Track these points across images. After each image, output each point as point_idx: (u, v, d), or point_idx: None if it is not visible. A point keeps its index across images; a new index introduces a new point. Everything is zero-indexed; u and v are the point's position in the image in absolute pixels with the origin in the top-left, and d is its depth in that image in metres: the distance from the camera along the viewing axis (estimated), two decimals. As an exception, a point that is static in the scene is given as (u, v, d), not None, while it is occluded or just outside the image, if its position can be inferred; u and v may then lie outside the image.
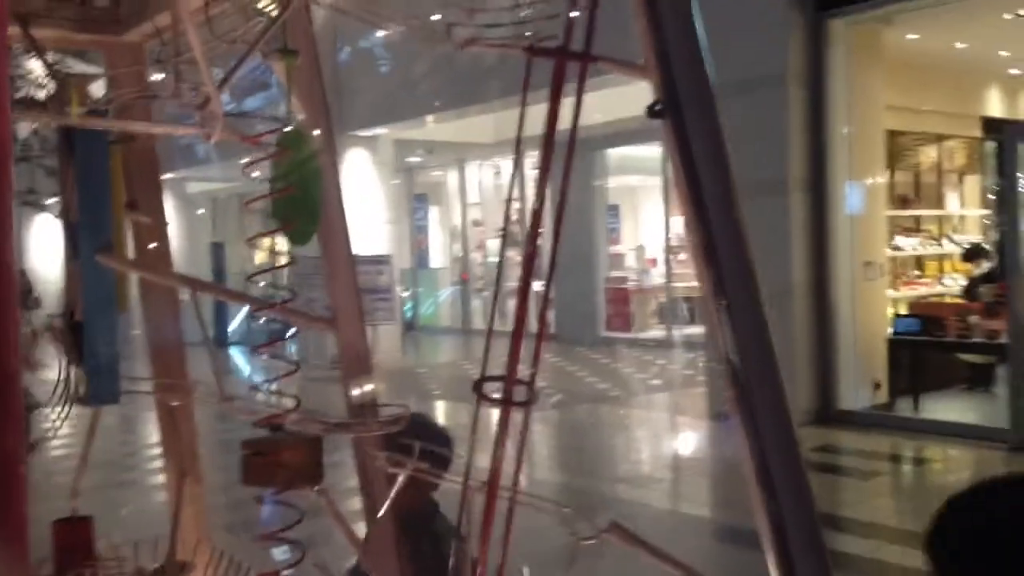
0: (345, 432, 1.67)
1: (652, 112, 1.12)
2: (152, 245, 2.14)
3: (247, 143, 1.37)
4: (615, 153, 15.59)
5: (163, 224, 2.20)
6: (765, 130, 8.28)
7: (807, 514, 1.14)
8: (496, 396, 1.28)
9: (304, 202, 1.43)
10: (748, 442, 1.13)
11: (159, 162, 2.21)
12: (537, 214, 1.29)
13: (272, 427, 1.77)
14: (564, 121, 1.28)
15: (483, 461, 1.31)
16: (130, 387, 1.99)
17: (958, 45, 10.15)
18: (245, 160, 1.48)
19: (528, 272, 1.29)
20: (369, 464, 1.78)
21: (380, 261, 13.21)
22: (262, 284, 1.63)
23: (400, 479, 1.68)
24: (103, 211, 1.81)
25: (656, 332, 16.06)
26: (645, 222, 18.49)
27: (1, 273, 0.83)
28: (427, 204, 20.98)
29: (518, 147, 1.35)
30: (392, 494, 1.72)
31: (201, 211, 23.00)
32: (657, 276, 16.81)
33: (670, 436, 9.48)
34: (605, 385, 11.81)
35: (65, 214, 1.93)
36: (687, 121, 1.13)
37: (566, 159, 1.28)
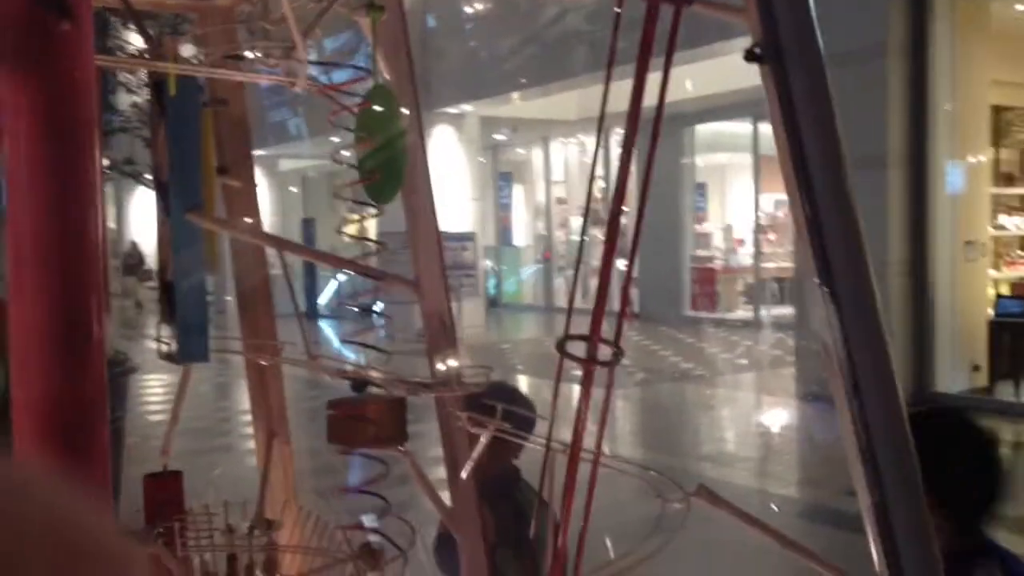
0: (428, 392, 1.67)
1: (750, 56, 1.06)
2: (243, 210, 2.18)
3: (331, 92, 1.36)
4: (704, 129, 15.31)
5: (253, 189, 2.23)
6: (864, 104, 7.99)
7: (914, 500, 1.08)
8: (579, 355, 1.25)
9: (388, 157, 1.42)
10: (853, 429, 1.07)
11: (250, 129, 2.23)
12: (621, 189, 1.24)
13: (358, 388, 1.79)
14: (652, 95, 1.22)
15: (566, 433, 1.28)
16: (220, 346, 2.03)
17: (1070, 15, 9.63)
18: (334, 132, 1.47)
19: (612, 241, 1.25)
20: (452, 426, 1.77)
21: (464, 238, 13.30)
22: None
23: (483, 439, 1.67)
24: (194, 171, 1.83)
25: (743, 312, 15.78)
26: (733, 201, 18.13)
27: (86, 246, 0.83)
28: (511, 182, 20.99)
29: (601, 122, 1.30)
30: (475, 455, 1.71)
31: (293, 188, 23.48)
32: (745, 256, 16.49)
33: (756, 415, 9.31)
34: (689, 364, 11.66)
35: (156, 174, 1.96)
36: (788, 67, 1.07)
37: (652, 132, 1.24)
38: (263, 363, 2.12)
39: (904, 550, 1.08)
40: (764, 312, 15.16)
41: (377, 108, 1.44)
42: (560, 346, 1.25)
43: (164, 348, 1.85)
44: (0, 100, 0.78)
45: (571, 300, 1.31)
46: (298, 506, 2.33)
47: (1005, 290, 9.16)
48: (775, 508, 5.27)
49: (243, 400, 10.17)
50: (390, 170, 1.46)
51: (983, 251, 8.64)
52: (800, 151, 1.07)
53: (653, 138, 1.22)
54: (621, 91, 1.22)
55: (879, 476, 1.08)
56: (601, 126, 1.31)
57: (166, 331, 1.84)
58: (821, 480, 5.72)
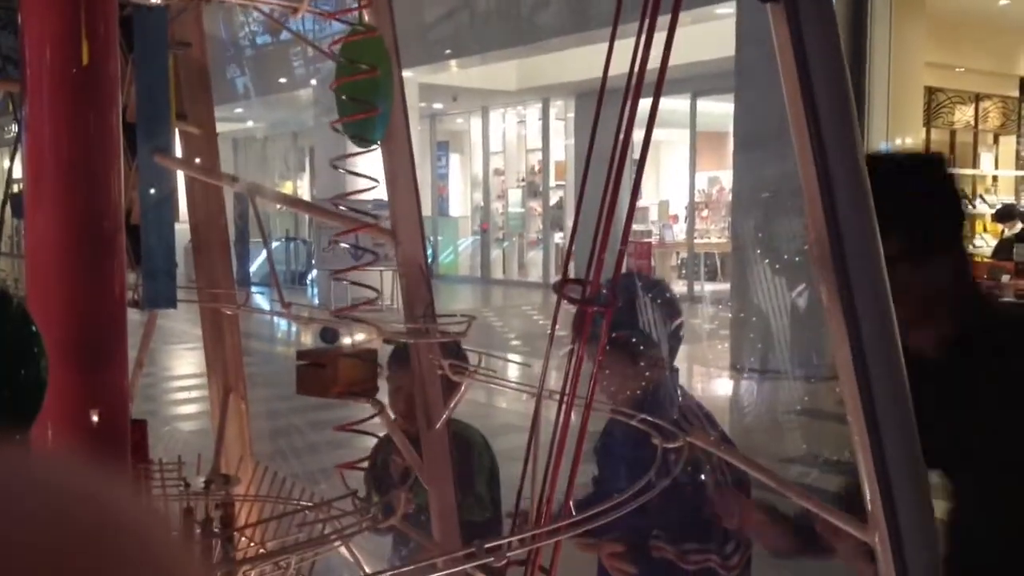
0: (407, 339, 1.65)
1: (764, -4, 1.06)
2: (202, 159, 2.11)
3: (330, 17, 1.32)
4: (641, 105, 15.35)
5: (213, 137, 2.16)
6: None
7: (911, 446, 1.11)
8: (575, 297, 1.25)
9: (378, 85, 1.38)
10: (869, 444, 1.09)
11: (210, 75, 2.16)
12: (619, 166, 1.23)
13: (328, 339, 1.76)
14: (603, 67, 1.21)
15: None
16: (182, 296, 1.97)
17: (1001, 2, 9.90)
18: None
19: (616, 188, 1.23)
20: (427, 376, 1.75)
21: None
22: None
23: (463, 387, 1.66)
24: (163, 110, 1.77)
25: (677, 287, 16.02)
26: (669, 177, 18.34)
27: (106, 154, 0.79)
28: (448, 152, 20.87)
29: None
30: (453, 404, 1.70)
31: (225, 152, 22.92)
32: (679, 232, 16.71)
33: (690, 386, 9.47)
34: (625, 336, 11.78)
35: (122, 114, 1.88)
36: (800, 8, 1.07)
37: (596, 109, 1.23)
38: (227, 312, 2.07)
39: (900, 504, 1.11)
40: (698, 287, 15.40)
41: (366, 34, 1.40)
42: (558, 287, 1.24)
43: (128, 294, 1.79)
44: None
45: (571, 240, 1.29)
46: (255, 462, 2.29)
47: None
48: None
49: (176, 366, 9.96)
50: (381, 99, 1.43)
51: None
52: (811, 95, 1.07)
53: (597, 113, 1.23)
54: (554, 62, 1.21)
55: (879, 434, 1.11)
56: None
57: (131, 277, 1.78)
58: (757, 449, 5.84)
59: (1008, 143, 11.89)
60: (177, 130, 2.07)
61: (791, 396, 7.19)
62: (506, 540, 0.93)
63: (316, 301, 14.31)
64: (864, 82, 8.49)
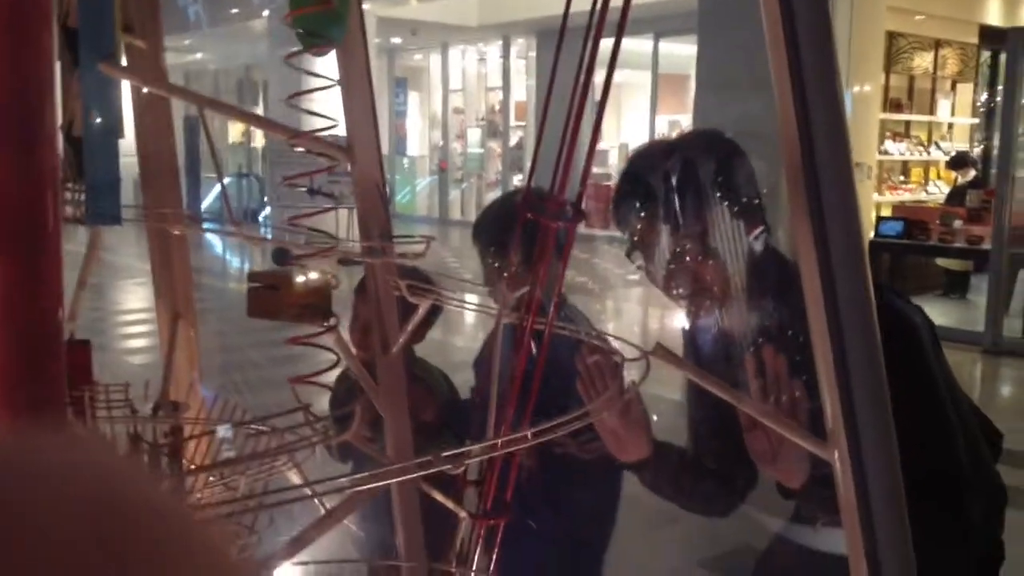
0: (362, 258, 1.60)
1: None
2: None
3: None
4: (603, 45, 15.18)
5: (160, 52, 2.07)
6: (759, 19, 8.05)
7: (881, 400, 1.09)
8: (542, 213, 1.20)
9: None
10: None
11: (157, -15, 2.06)
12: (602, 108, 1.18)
13: (280, 261, 1.70)
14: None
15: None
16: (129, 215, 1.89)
17: (964, -53, 9.90)
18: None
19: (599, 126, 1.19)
20: (384, 297, 1.71)
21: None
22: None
23: (421, 309, 1.62)
24: (108, 14, 1.67)
25: (634, 230, 16.05)
26: (630, 120, 18.24)
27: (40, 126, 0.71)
28: (407, 89, 20.53)
29: None
30: (410, 326, 1.65)
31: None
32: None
33: (644, 327, 9.54)
34: (582, 278, 11.82)
35: (63, 20, 1.78)
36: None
37: (556, 48, 1.19)
38: (175, 232, 2.00)
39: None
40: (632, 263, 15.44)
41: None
42: (524, 204, 1.20)
43: (70, 211, 1.71)
44: None
45: (529, 179, 1.26)
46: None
47: (886, 213, 9.55)
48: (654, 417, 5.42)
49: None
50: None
51: (869, 173, 8.95)
52: (795, 45, 1.04)
53: (558, 51, 1.18)
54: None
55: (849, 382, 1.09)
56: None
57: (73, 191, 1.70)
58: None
59: (965, 90, 11.98)
60: (123, 44, 1.97)
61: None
62: (465, 449, 0.90)
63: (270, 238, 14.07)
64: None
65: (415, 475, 0.86)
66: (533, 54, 16.64)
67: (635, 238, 1.59)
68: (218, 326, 7.11)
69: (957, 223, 8.36)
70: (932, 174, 11.03)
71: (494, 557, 1.34)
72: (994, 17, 11.42)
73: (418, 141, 20.67)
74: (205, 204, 17.77)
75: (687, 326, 1.75)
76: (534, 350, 1.33)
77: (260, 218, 17.07)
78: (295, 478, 1.59)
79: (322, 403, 2.16)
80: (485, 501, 1.33)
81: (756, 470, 1.73)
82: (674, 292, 1.63)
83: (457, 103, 19.12)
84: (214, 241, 14.67)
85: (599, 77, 1.14)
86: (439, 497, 1.26)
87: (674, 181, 1.51)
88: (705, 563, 3.69)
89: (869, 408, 1.12)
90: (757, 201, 1.61)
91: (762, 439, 1.28)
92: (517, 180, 17.19)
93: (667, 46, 14.83)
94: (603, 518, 2.20)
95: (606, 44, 1.09)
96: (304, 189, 1.85)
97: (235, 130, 21.19)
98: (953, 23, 10.96)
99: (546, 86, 1.17)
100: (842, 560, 1.60)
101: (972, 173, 9.49)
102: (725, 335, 1.65)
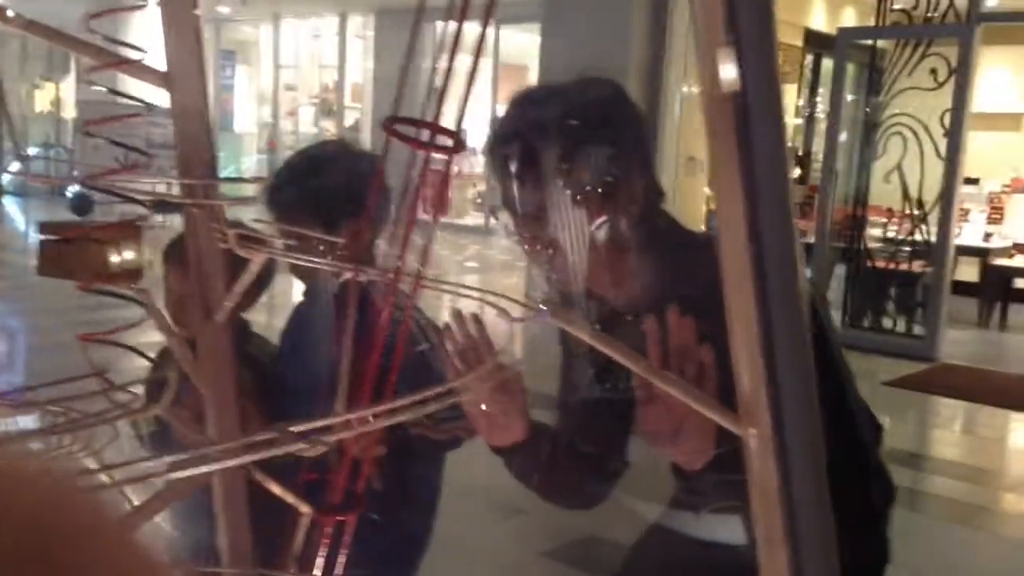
0: (181, 200, 1.31)
1: None
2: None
3: None
4: (445, 28, 14.95)
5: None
6: (610, 19, 8.09)
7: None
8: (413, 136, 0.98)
9: None
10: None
11: None
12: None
13: (80, 211, 1.38)
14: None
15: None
16: None
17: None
18: None
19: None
20: (206, 251, 1.42)
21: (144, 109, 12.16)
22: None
23: (252, 266, 1.34)
24: None
25: (473, 219, 15.94)
26: (470, 108, 18.02)
27: None
28: (235, 62, 19.56)
29: None
30: (239, 287, 1.38)
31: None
32: (477, 164, 16.57)
33: (483, 311, 9.41)
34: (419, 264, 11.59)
35: None
36: None
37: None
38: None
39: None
40: (493, 221, 15.39)
41: None
42: (389, 124, 0.96)
43: None
44: None
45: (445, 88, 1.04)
46: None
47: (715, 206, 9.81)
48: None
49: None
50: None
51: (702, 167, 9.16)
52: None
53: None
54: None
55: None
56: None
57: None
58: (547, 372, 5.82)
59: (789, 92, 12.50)
60: None
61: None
62: (329, 422, 0.66)
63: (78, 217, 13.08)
64: (667, 21, 8.58)
65: (249, 458, 0.63)
66: (371, 33, 16.17)
67: (510, 191, 1.37)
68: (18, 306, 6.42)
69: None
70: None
71: (341, 559, 1.11)
72: (819, 22, 11.98)
73: (246, 117, 19.75)
74: (6, 179, 16.30)
75: (553, 293, 1.54)
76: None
77: (67, 193, 15.86)
78: (91, 464, 1.29)
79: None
80: (332, 493, 1.10)
81: (626, 457, 1.57)
82: (548, 254, 1.43)
83: (289, 79, 18.39)
84: (14, 216, 13.49)
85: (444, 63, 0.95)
86: (276, 489, 1.01)
87: (572, 130, 1.30)
88: (552, 554, 3.56)
89: (792, 379, 0.96)
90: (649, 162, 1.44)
91: (662, 414, 1.10)
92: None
93: (507, 33, 14.77)
94: (430, 506, 1.98)
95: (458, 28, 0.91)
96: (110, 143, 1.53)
97: (43, 98, 19.60)
98: (780, 26, 11.38)
99: (385, 68, 0.96)
100: (727, 549, 1.46)
101: (796, 171, 9.90)
102: (601, 303, 1.47)
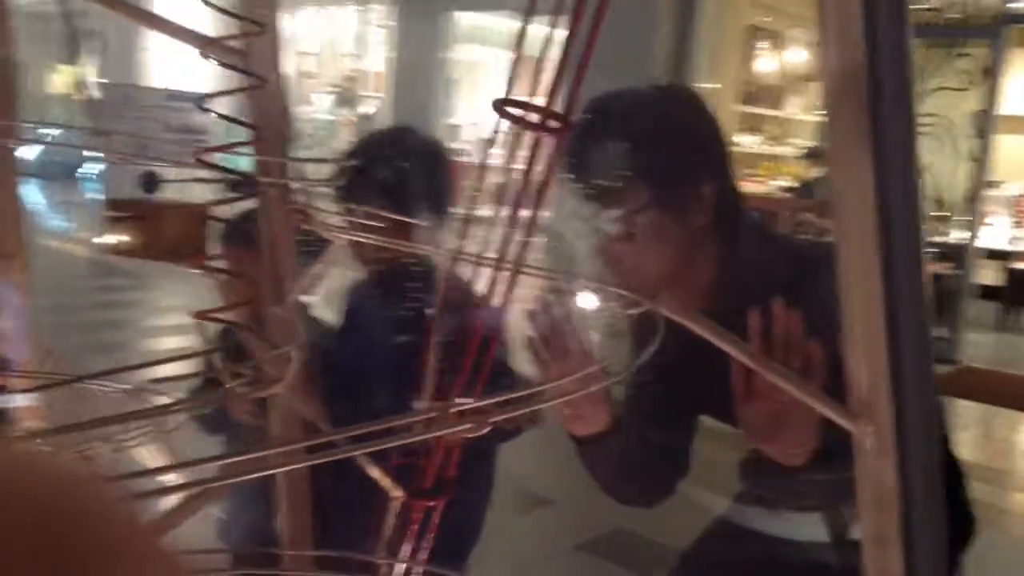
0: (256, 178, 1.28)
1: None
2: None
3: None
4: (465, 19, 14.88)
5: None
6: (637, 23, 8.06)
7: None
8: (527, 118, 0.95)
9: None
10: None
11: None
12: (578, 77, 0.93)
13: (149, 187, 1.37)
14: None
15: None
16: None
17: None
18: None
19: None
20: (280, 231, 1.40)
21: (197, 97, 12.16)
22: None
23: (332, 248, 1.32)
24: None
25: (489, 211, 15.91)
26: (487, 99, 17.95)
27: None
28: (255, 49, 19.54)
29: None
30: (317, 269, 1.36)
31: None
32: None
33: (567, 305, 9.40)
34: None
35: None
36: None
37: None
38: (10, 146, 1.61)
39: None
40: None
41: None
42: (499, 106, 0.93)
43: None
44: None
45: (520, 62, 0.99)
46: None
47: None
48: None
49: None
50: None
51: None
52: None
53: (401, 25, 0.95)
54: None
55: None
56: None
57: None
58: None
59: (816, 88, 12.40)
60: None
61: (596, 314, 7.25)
62: (456, 406, 0.62)
63: (100, 197, 13.08)
64: (693, 21, 8.53)
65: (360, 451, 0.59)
66: (394, 24, 16.10)
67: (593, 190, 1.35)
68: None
69: (807, 215, 8.62)
70: (780, 168, 11.35)
71: (427, 545, 1.09)
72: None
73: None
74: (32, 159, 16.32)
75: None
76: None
77: (77, 173, 15.86)
78: (148, 456, 1.27)
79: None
80: (423, 478, 1.08)
81: (689, 454, 1.54)
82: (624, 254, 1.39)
83: (308, 66, 18.38)
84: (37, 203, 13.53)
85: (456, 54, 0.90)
86: (374, 472, 0.99)
87: (656, 138, 1.29)
88: (584, 547, 3.53)
89: (915, 375, 0.93)
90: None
91: (764, 409, 1.07)
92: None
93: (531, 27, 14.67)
94: (486, 496, 1.96)
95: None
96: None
97: (58, 80, 19.61)
98: (807, 25, 11.32)
99: (407, 58, 0.92)
100: (809, 546, 1.43)
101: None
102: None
